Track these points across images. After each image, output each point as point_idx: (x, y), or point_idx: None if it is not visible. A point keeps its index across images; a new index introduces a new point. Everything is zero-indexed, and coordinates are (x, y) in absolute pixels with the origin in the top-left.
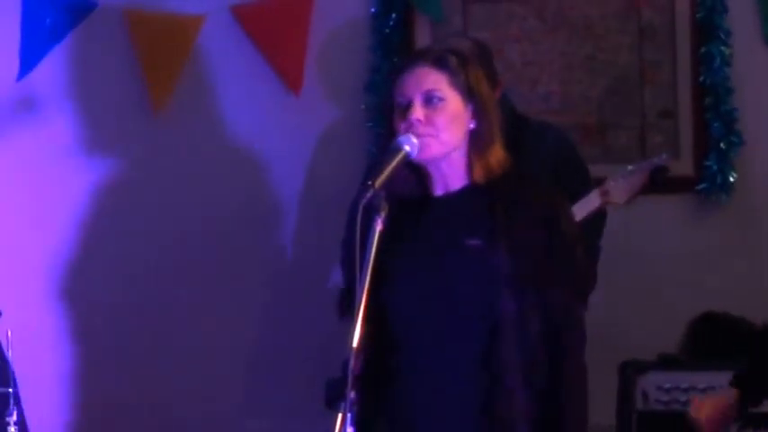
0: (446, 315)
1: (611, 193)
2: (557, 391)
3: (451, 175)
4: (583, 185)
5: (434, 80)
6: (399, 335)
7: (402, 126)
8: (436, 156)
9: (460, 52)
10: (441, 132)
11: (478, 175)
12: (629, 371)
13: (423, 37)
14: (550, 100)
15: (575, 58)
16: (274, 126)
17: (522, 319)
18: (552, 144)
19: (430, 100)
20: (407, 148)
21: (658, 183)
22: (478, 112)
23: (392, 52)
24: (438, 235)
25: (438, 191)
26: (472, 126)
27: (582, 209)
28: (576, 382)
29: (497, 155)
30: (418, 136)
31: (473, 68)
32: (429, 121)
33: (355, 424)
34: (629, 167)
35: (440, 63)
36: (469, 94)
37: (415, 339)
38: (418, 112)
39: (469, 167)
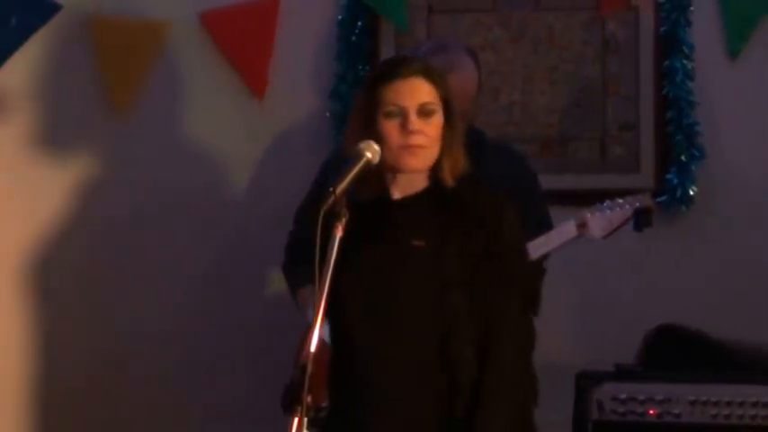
0: (394, 317)
1: (588, 226)
2: (481, 390)
3: (415, 180)
4: (540, 213)
5: (428, 92)
6: (351, 338)
7: (396, 134)
8: (427, 166)
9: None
10: (434, 144)
11: (442, 180)
12: (585, 381)
13: (387, 45)
14: (512, 111)
15: (538, 70)
16: (238, 131)
17: (471, 320)
18: (512, 168)
19: (425, 112)
20: (369, 154)
21: (645, 224)
22: (450, 120)
23: (357, 60)
24: (388, 237)
25: (396, 195)
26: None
27: (556, 238)
28: (505, 383)
29: (461, 162)
30: (418, 147)
31: (445, 80)
32: (423, 132)
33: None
34: (608, 202)
35: (431, 75)
36: (445, 104)
37: (365, 343)
38: (416, 123)
39: (433, 173)
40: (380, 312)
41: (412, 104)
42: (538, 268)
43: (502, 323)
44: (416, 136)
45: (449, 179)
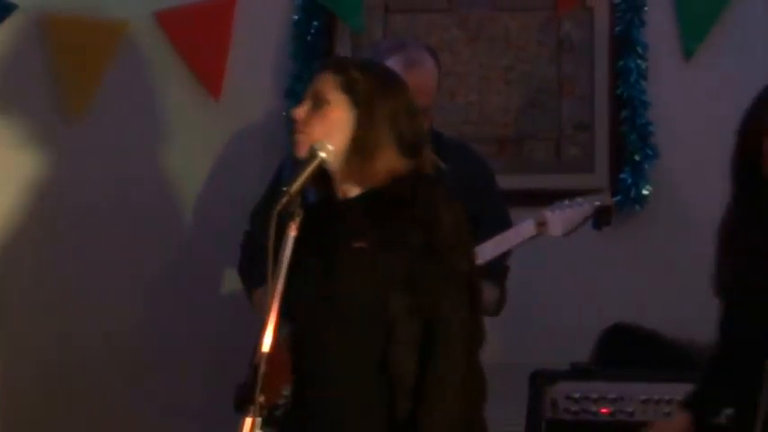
0: (337, 319)
1: (548, 225)
2: (427, 390)
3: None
4: (499, 212)
5: (327, 84)
6: (301, 339)
7: None
8: None
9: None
10: (319, 135)
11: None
12: (540, 380)
13: (343, 45)
14: (469, 111)
15: (494, 70)
16: (194, 131)
17: (412, 321)
18: (470, 167)
19: (315, 102)
20: (323, 154)
21: (604, 223)
22: (370, 119)
23: (313, 60)
24: (332, 239)
25: (340, 195)
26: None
27: (515, 237)
28: (451, 383)
29: (391, 162)
30: (297, 134)
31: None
32: (304, 121)
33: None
34: (567, 200)
35: (342, 69)
36: (361, 102)
37: (311, 344)
38: (299, 111)
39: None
40: (325, 314)
41: (307, 95)
42: (501, 267)
43: (445, 323)
44: (297, 124)
45: (376, 181)
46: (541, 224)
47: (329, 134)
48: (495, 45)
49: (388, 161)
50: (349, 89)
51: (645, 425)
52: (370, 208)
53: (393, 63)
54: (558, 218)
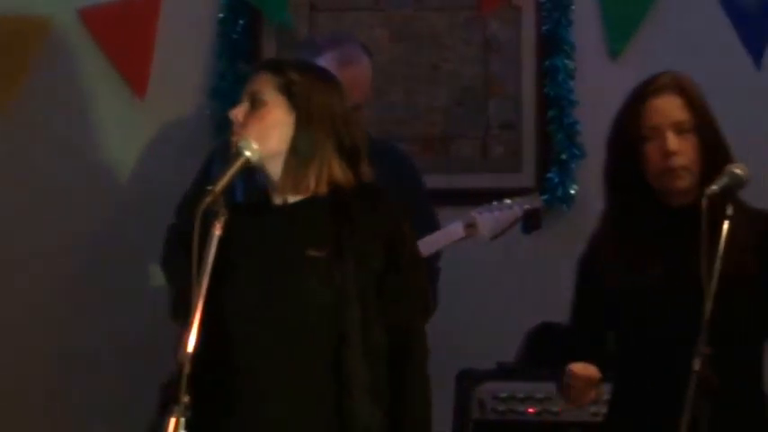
0: (288, 328)
1: (477, 228)
2: (399, 404)
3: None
4: (426, 213)
5: (264, 85)
6: (240, 343)
7: None
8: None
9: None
10: (256, 137)
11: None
12: (466, 380)
13: (269, 43)
14: (395, 110)
15: (420, 69)
16: (120, 130)
17: (368, 330)
18: (396, 167)
19: (252, 104)
20: (248, 153)
21: (534, 227)
22: (309, 124)
23: (238, 58)
24: (279, 245)
25: (277, 199)
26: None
27: (443, 239)
28: (420, 395)
29: (330, 169)
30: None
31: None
32: (242, 122)
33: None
34: (496, 203)
35: (278, 71)
36: (300, 107)
37: (257, 349)
38: (235, 112)
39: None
40: (269, 318)
41: (245, 96)
42: (431, 269)
43: (412, 339)
44: (234, 126)
45: (315, 186)
46: (470, 226)
47: (267, 135)
48: (422, 44)
49: (328, 166)
50: (287, 91)
51: (572, 425)
52: (323, 215)
53: (329, 59)
54: (487, 220)
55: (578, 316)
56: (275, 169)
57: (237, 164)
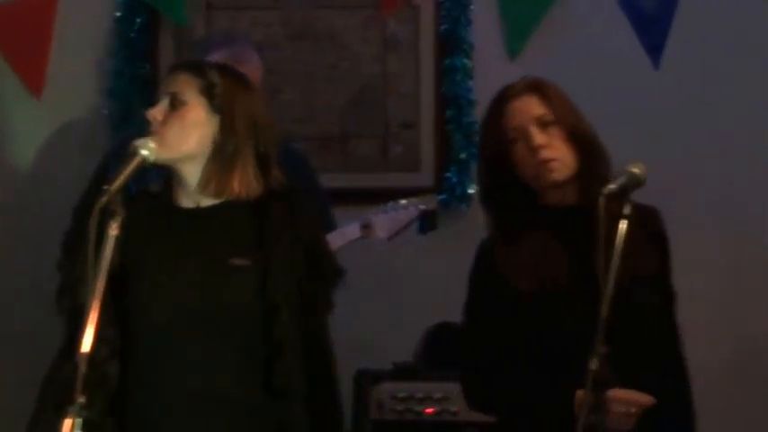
0: (218, 338)
1: (373, 228)
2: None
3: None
4: (323, 213)
5: (184, 85)
6: (154, 349)
7: None
8: (170, 158)
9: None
10: (171, 136)
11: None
12: (364, 380)
13: (166, 42)
14: (293, 109)
15: (318, 68)
16: (16, 130)
17: (297, 340)
18: (292, 167)
19: (172, 103)
20: (144, 152)
21: (430, 227)
22: (228, 129)
23: (136, 57)
24: (196, 251)
25: (186, 203)
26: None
27: (340, 239)
28: (337, 398)
29: (249, 175)
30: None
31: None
32: (161, 121)
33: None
34: (392, 203)
35: (199, 72)
36: (222, 111)
37: (169, 349)
38: (152, 111)
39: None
40: (198, 336)
41: (162, 95)
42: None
43: (326, 343)
44: (152, 125)
45: (238, 192)
46: (366, 227)
47: (186, 136)
48: (320, 43)
49: (246, 171)
50: (207, 92)
51: (469, 425)
52: (240, 220)
53: (219, 57)
54: (383, 221)
55: (480, 322)
56: (192, 171)
57: (134, 163)
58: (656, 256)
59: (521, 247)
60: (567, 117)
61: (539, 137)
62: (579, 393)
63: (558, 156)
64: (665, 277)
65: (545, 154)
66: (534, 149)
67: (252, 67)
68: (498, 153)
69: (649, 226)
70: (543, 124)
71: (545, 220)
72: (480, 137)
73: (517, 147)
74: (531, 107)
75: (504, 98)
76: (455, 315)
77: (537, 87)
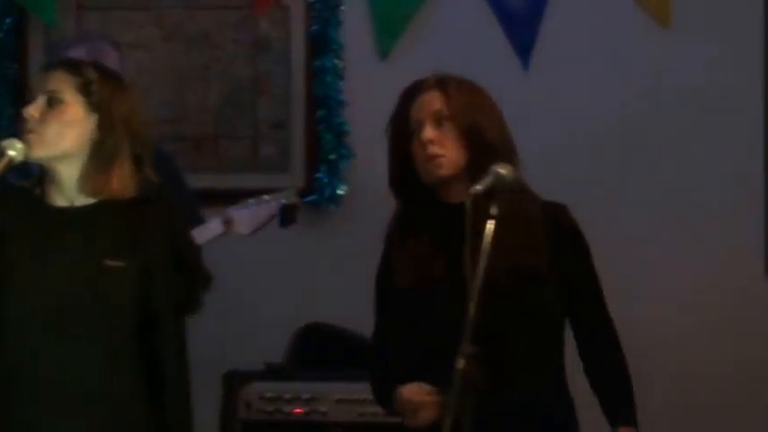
0: (94, 339)
1: (235, 223)
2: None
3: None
4: (190, 211)
5: (60, 82)
6: (23, 349)
7: None
8: (38, 159)
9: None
10: (48, 136)
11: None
12: (233, 381)
13: (36, 42)
14: (165, 109)
15: (190, 68)
16: None
17: (174, 340)
18: (157, 167)
19: (49, 101)
20: (12, 153)
21: (290, 221)
22: (105, 128)
23: (5, 57)
24: (64, 251)
25: (60, 201)
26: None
27: (202, 235)
28: (188, 407)
29: (125, 175)
30: (26, 133)
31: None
32: (38, 119)
33: None
34: (253, 199)
35: (72, 68)
36: (99, 108)
37: (47, 356)
38: (29, 108)
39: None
40: (72, 333)
41: (37, 94)
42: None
43: (184, 350)
44: (29, 123)
45: (116, 192)
46: (228, 222)
47: (63, 134)
48: (192, 43)
49: (124, 170)
50: (84, 90)
51: (339, 425)
52: (114, 221)
53: (76, 55)
54: (245, 216)
55: (380, 321)
56: (68, 170)
57: (2, 164)
58: (564, 252)
59: (406, 243)
60: (463, 115)
61: (429, 132)
62: (401, 391)
63: (445, 152)
64: (584, 271)
65: (432, 149)
66: (423, 144)
67: (110, 64)
68: (401, 145)
69: (556, 223)
70: (438, 120)
71: (437, 216)
72: (388, 127)
73: (414, 140)
74: (432, 102)
75: (412, 91)
76: (324, 316)
77: (442, 83)
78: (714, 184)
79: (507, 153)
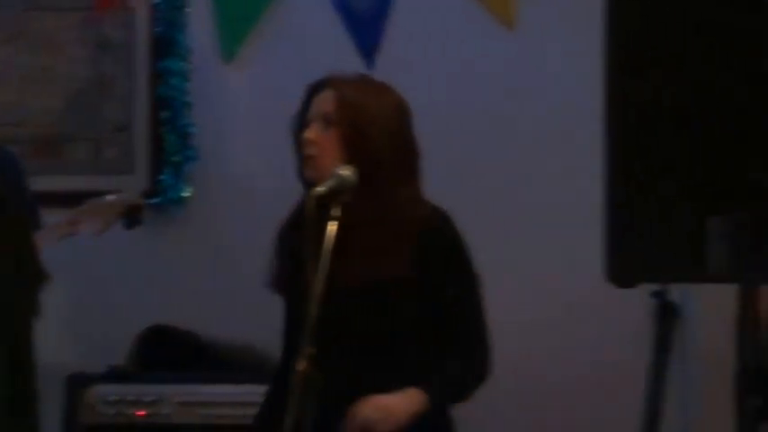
0: None
1: (79, 224)
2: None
3: None
4: (33, 213)
5: None
6: None
7: None
8: None
9: None
10: None
11: None
12: (76, 384)
13: None
14: (8, 112)
15: (33, 70)
16: None
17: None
18: (2, 168)
19: None
20: None
21: (135, 222)
22: None
23: None
24: None
25: None
26: None
27: (48, 236)
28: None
29: None
30: None
31: None
32: None
33: None
34: (98, 199)
35: None
36: None
37: None
38: None
39: None
40: None
41: None
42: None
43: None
44: None
45: None
46: (73, 223)
47: None
48: (34, 45)
49: None
50: None
51: (181, 427)
52: None
53: None
54: (89, 217)
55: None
56: None
57: None
58: (432, 260)
59: (284, 244)
60: (348, 121)
61: (311, 132)
62: None
63: (318, 154)
64: (455, 278)
65: (308, 150)
66: (303, 143)
67: None
68: (297, 139)
69: (434, 230)
70: (327, 122)
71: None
72: (291, 121)
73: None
74: (325, 102)
75: (317, 86)
76: (168, 318)
77: (339, 83)
78: (555, 185)
79: (396, 165)
